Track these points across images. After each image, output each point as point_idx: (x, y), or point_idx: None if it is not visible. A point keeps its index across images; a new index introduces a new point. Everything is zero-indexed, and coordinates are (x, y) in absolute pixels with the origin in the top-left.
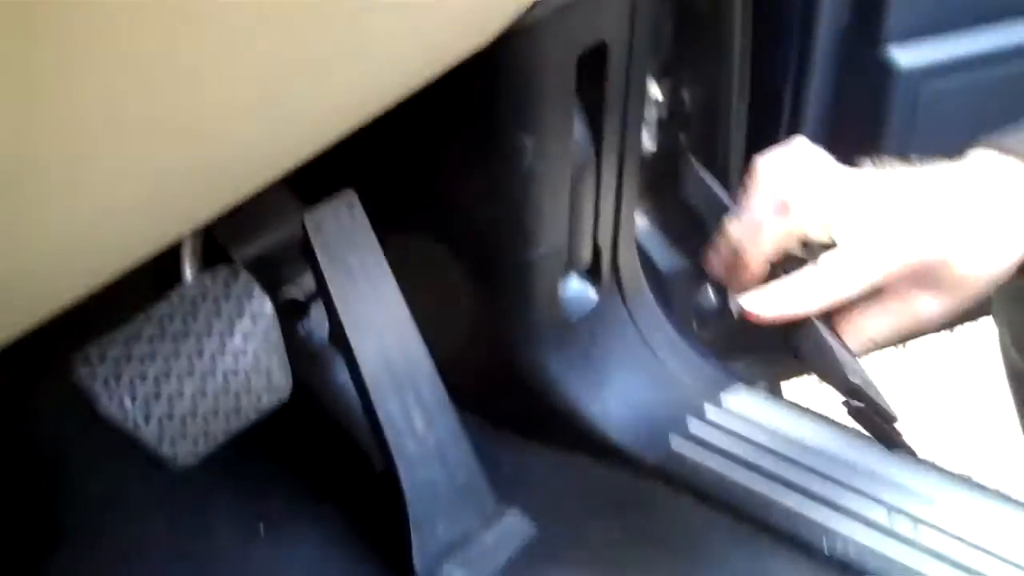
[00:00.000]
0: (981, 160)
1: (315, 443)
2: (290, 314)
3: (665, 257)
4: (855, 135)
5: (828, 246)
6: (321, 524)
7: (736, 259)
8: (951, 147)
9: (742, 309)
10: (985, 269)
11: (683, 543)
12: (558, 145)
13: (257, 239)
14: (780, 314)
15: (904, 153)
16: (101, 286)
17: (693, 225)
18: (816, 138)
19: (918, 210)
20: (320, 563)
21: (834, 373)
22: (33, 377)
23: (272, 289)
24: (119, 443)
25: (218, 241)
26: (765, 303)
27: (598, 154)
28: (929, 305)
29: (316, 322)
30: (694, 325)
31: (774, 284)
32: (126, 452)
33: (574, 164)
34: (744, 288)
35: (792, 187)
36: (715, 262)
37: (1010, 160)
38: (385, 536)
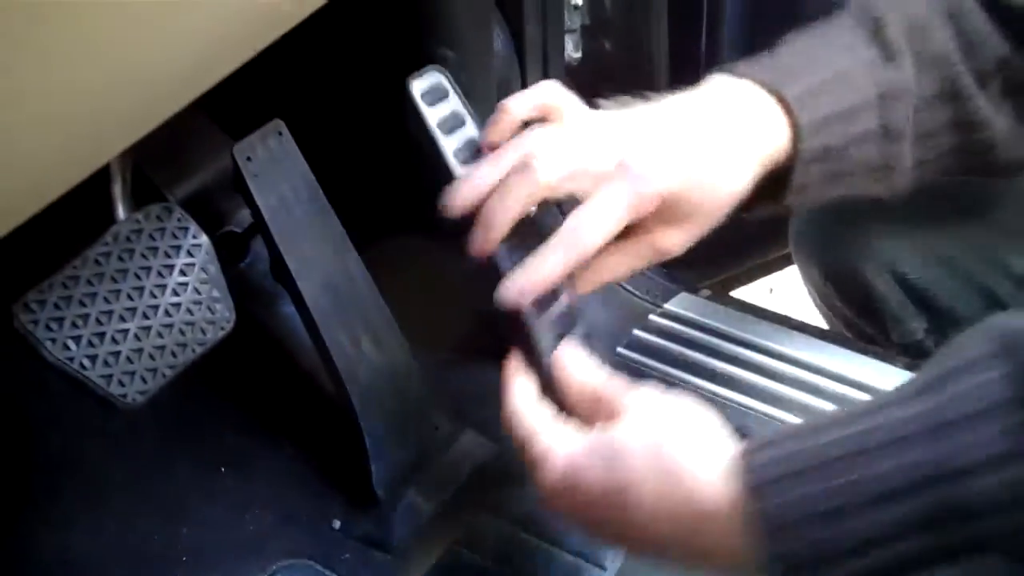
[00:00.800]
0: (716, 86)
1: (267, 377)
2: (230, 249)
3: None
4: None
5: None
6: (281, 458)
7: (483, 218)
8: None
9: (504, 301)
10: (720, 193)
11: None
12: (480, 58)
13: (190, 177)
14: (538, 291)
15: None
16: (28, 216)
17: None
18: (737, 33)
19: (653, 148)
20: (283, 497)
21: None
22: None
23: (211, 226)
24: (73, 395)
25: (152, 182)
26: (523, 288)
27: (522, 66)
28: (672, 238)
29: (257, 255)
30: None
31: (526, 264)
32: (80, 403)
33: (499, 77)
34: (484, 246)
35: (537, 142)
36: (456, 211)
37: (744, 83)
38: (344, 464)
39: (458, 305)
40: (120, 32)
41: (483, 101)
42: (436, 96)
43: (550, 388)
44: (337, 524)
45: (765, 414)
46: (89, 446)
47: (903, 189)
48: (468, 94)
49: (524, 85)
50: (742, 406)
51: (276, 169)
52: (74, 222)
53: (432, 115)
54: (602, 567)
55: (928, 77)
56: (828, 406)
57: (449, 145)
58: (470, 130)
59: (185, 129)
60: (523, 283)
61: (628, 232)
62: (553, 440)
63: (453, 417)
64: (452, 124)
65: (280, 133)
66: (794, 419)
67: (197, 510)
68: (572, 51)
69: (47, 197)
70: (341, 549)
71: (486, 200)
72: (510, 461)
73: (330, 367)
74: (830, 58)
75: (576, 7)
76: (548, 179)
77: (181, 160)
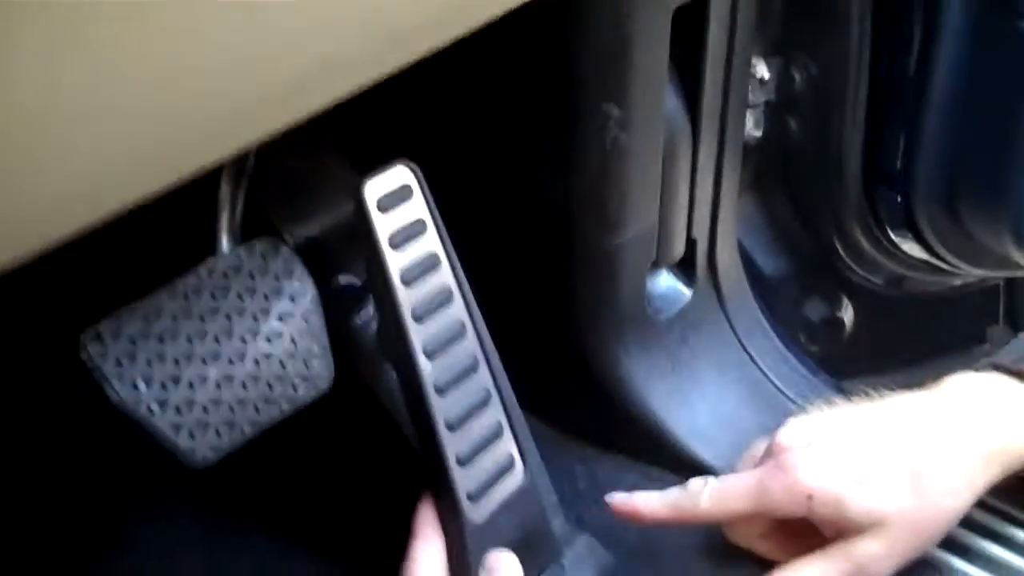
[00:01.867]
0: (953, 384)
1: (369, 452)
2: (345, 303)
3: (770, 259)
4: (989, 121)
5: None
6: (369, 551)
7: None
8: None
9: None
10: (925, 512)
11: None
12: (647, 117)
13: (313, 219)
14: (639, 512)
15: None
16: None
17: (808, 227)
18: (943, 126)
19: (821, 445)
20: None
21: None
22: (56, 364)
23: (328, 274)
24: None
25: (270, 219)
26: (629, 502)
27: (695, 131)
28: (869, 548)
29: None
30: (801, 338)
31: (640, 495)
32: (155, 450)
33: (666, 140)
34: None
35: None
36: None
37: (986, 375)
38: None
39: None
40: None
41: (647, 168)
42: (396, 200)
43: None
44: None
45: None
46: (164, 497)
47: None
48: (630, 158)
49: (695, 155)
50: None
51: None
52: (175, 253)
53: (383, 225)
54: None
55: None
56: None
57: (396, 263)
58: (430, 242)
59: (314, 164)
60: (625, 504)
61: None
62: None
63: (570, 516)
64: (408, 235)
65: (415, 176)
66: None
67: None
68: (752, 128)
69: (130, 194)
70: None
71: None
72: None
73: (428, 454)
74: None
75: (762, 81)
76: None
77: (306, 200)
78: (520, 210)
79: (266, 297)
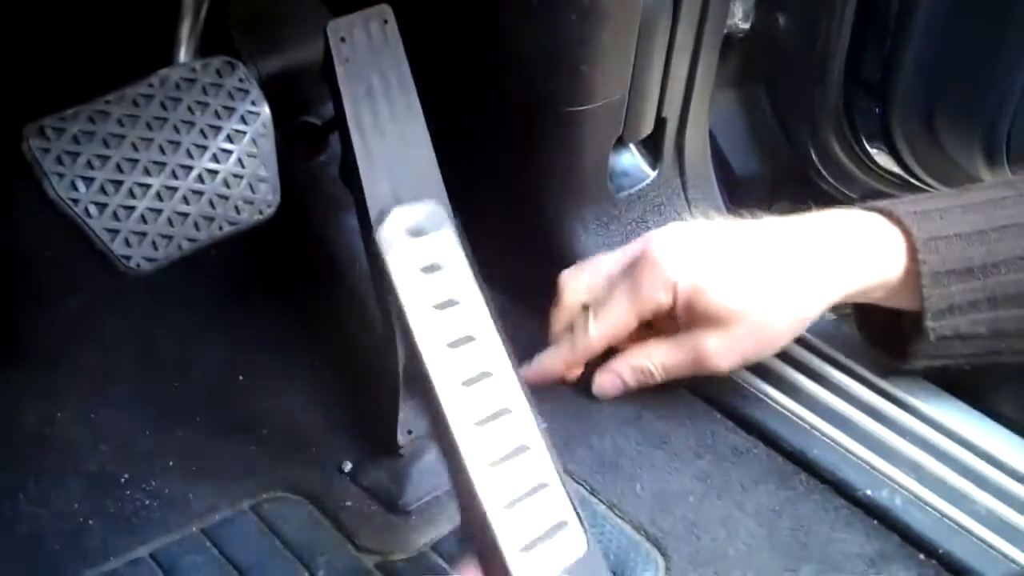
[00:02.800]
0: (822, 215)
1: (313, 289)
2: (307, 141)
3: (742, 156)
4: (973, 37)
5: None
6: (306, 379)
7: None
8: None
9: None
10: (771, 311)
11: (700, 459)
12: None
13: (281, 51)
14: (547, 371)
15: None
16: None
17: (785, 130)
18: (928, 38)
19: (679, 241)
20: (297, 424)
21: None
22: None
23: (292, 111)
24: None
25: (236, 48)
26: (537, 366)
27: (675, 4)
28: (714, 342)
29: (335, 155)
30: None
31: (536, 359)
32: (105, 271)
33: (645, 11)
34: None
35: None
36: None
37: (856, 212)
38: (373, 405)
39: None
40: None
41: (622, 35)
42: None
43: None
44: (347, 467)
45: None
46: (108, 319)
47: None
48: (604, 21)
49: (674, 30)
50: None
51: (371, 58)
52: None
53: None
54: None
55: None
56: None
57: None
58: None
59: (288, 1)
60: (533, 371)
61: (672, 326)
62: None
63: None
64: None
65: (386, 21)
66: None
67: (200, 415)
68: (741, 20)
69: None
70: (344, 495)
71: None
72: (559, 444)
73: (380, 293)
74: (975, 194)
75: None
76: (572, 290)
77: (276, 31)
78: (491, 64)
79: (217, 114)
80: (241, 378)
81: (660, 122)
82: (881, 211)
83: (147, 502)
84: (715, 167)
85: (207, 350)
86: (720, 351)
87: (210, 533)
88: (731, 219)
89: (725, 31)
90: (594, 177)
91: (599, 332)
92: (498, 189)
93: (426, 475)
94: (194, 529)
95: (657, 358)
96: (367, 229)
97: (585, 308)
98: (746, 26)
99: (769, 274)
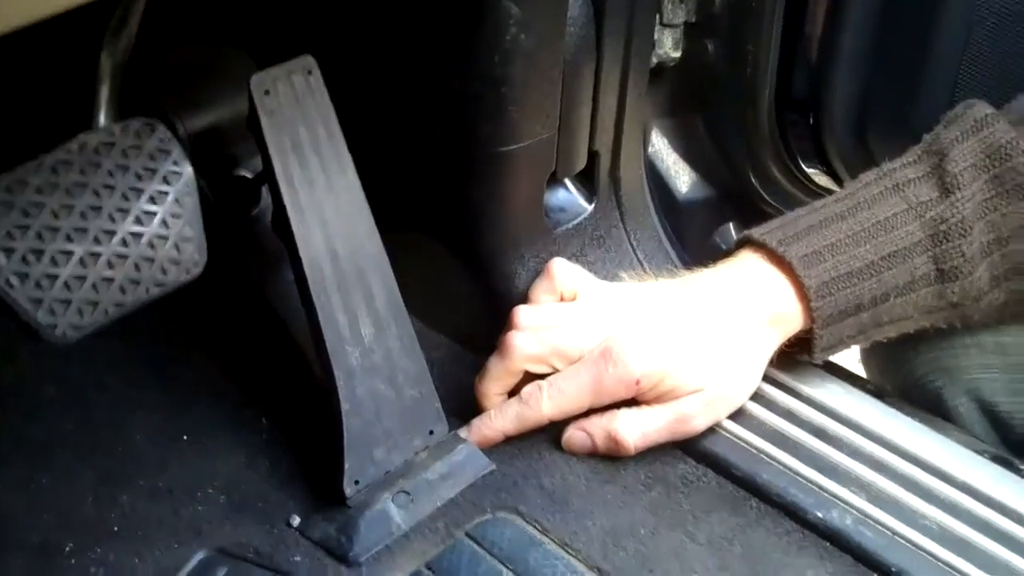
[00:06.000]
0: (730, 266)
1: (252, 343)
2: (240, 196)
3: (682, 183)
4: (900, 48)
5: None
6: (249, 435)
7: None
8: None
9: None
10: (727, 384)
11: (651, 490)
12: (550, 18)
13: (208, 108)
14: (489, 440)
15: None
16: None
17: (723, 155)
18: (856, 50)
19: (638, 332)
20: (242, 479)
21: None
22: None
23: (223, 167)
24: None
25: (162, 106)
26: (477, 433)
27: (599, 39)
28: (690, 405)
29: (267, 208)
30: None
31: (481, 418)
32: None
33: (570, 48)
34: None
35: (524, 319)
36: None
37: (754, 258)
38: (317, 455)
39: (467, 300)
40: None
41: (548, 73)
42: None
43: None
44: (295, 521)
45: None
46: (37, 386)
47: (986, 319)
48: (530, 60)
49: (599, 65)
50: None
51: (297, 109)
52: (51, 128)
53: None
54: None
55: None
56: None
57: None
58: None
59: (214, 57)
60: (474, 438)
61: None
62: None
63: (453, 425)
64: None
65: (310, 72)
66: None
67: (143, 478)
68: (671, 49)
69: None
70: (293, 550)
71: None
72: (506, 484)
73: (318, 343)
74: (865, 213)
75: (682, 0)
76: (523, 358)
77: (202, 87)
78: (418, 108)
79: (139, 176)
80: (185, 437)
81: (593, 156)
82: (772, 255)
83: (93, 570)
84: (656, 195)
85: (147, 412)
86: (699, 413)
87: None
88: (667, 280)
89: (656, 61)
90: (529, 214)
91: (552, 411)
92: (433, 231)
93: (375, 525)
94: None
95: (636, 427)
96: (303, 280)
97: (528, 376)
98: (676, 55)
99: (717, 341)
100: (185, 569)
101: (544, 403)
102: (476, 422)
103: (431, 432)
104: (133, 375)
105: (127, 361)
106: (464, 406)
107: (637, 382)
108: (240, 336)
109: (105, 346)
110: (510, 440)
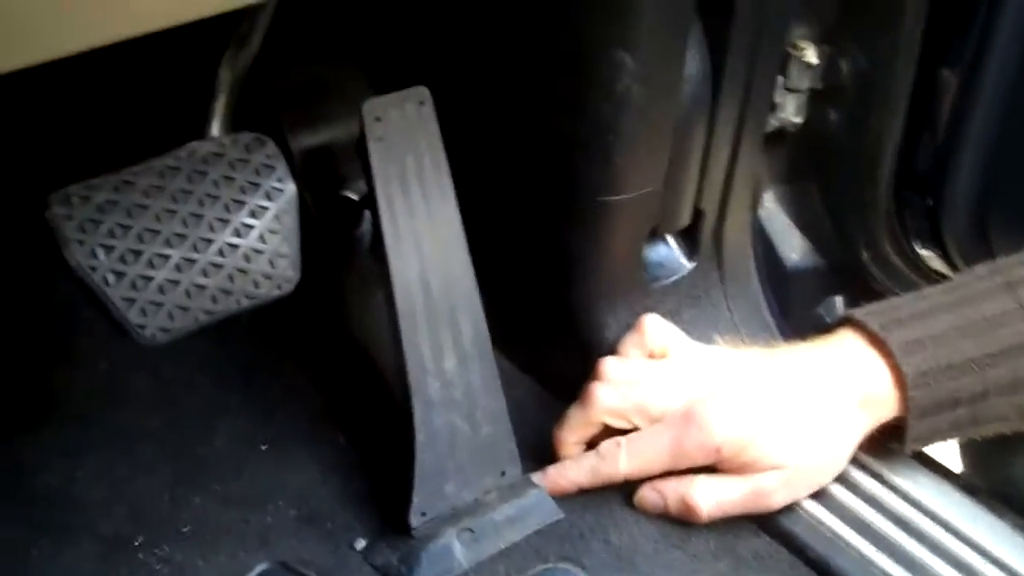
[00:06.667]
0: (828, 343)
1: (339, 362)
2: (345, 216)
3: (792, 251)
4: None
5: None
6: (325, 453)
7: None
8: None
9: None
10: (815, 459)
11: (720, 561)
12: (664, 71)
13: (322, 127)
14: (562, 490)
15: None
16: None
17: (837, 227)
18: (982, 133)
19: (725, 399)
20: (314, 495)
21: None
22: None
23: (331, 186)
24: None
25: (279, 121)
26: (551, 482)
27: (715, 98)
28: (770, 480)
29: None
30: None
31: (555, 467)
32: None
33: (683, 102)
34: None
35: (610, 372)
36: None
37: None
38: (390, 483)
39: (556, 345)
40: None
41: (658, 126)
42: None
43: None
44: (360, 544)
45: None
46: (128, 379)
47: None
48: (640, 111)
49: (713, 122)
50: None
51: (406, 138)
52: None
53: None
54: None
55: None
56: None
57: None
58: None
59: (332, 77)
60: (547, 486)
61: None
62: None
63: (525, 468)
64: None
65: (422, 102)
66: None
67: (219, 483)
68: (793, 114)
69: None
70: (354, 572)
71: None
72: (575, 535)
73: (400, 371)
74: (973, 308)
75: (809, 66)
76: (603, 410)
77: (318, 106)
78: (524, 151)
79: (243, 189)
80: (264, 447)
81: (698, 213)
82: (874, 338)
83: (157, 567)
84: (761, 260)
85: (231, 416)
86: (779, 489)
87: None
88: (761, 349)
89: (777, 125)
90: (626, 267)
91: (629, 469)
92: (527, 273)
93: (436, 560)
94: None
95: (712, 496)
96: (392, 306)
97: (608, 429)
98: (798, 120)
99: (805, 418)
100: None
101: (621, 460)
102: (551, 470)
103: (503, 473)
104: (223, 378)
105: (219, 363)
106: (540, 450)
107: (718, 449)
108: (328, 353)
109: (199, 346)
110: (582, 491)
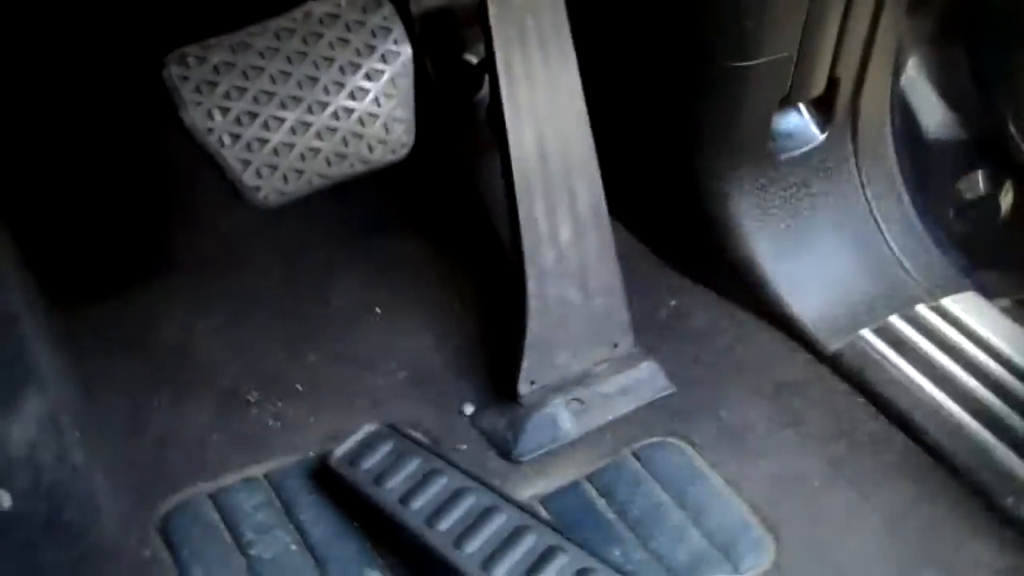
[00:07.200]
0: None
1: (453, 224)
2: (465, 80)
3: (934, 121)
4: None
5: None
6: (440, 316)
7: None
8: None
9: None
10: None
11: (834, 442)
12: None
13: None
14: None
15: None
16: None
17: (984, 96)
18: None
19: None
20: (426, 360)
21: None
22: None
23: (451, 49)
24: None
25: None
26: None
27: None
28: None
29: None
30: (949, 212)
31: None
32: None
33: None
34: None
35: None
36: None
37: None
38: (502, 351)
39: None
40: None
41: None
42: None
43: None
44: (469, 409)
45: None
46: (248, 238)
47: None
48: None
49: None
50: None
51: (527, 0)
52: None
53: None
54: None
55: None
56: None
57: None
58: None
59: None
60: None
61: None
62: None
63: (640, 339)
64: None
65: None
66: None
67: (333, 343)
68: None
69: None
70: (461, 437)
71: None
72: (683, 410)
73: (515, 241)
74: None
75: None
76: None
77: None
78: (650, 12)
79: (358, 52)
80: (378, 310)
81: (833, 82)
82: None
83: (270, 423)
84: (901, 131)
85: (348, 279)
86: None
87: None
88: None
89: None
90: (754, 137)
91: None
92: (650, 143)
93: (543, 428)
94: (311, 454)
95: None
96: (508, 176)
97: None
98: None
99: None
100: (354, 437)
101: None
102: None
103: (616, 345)
104: (340, 239)
105: (338, 224)
106: (654, 323)
107: None
108: (448, 219)
109: (319, 207)
110: (698, 363)
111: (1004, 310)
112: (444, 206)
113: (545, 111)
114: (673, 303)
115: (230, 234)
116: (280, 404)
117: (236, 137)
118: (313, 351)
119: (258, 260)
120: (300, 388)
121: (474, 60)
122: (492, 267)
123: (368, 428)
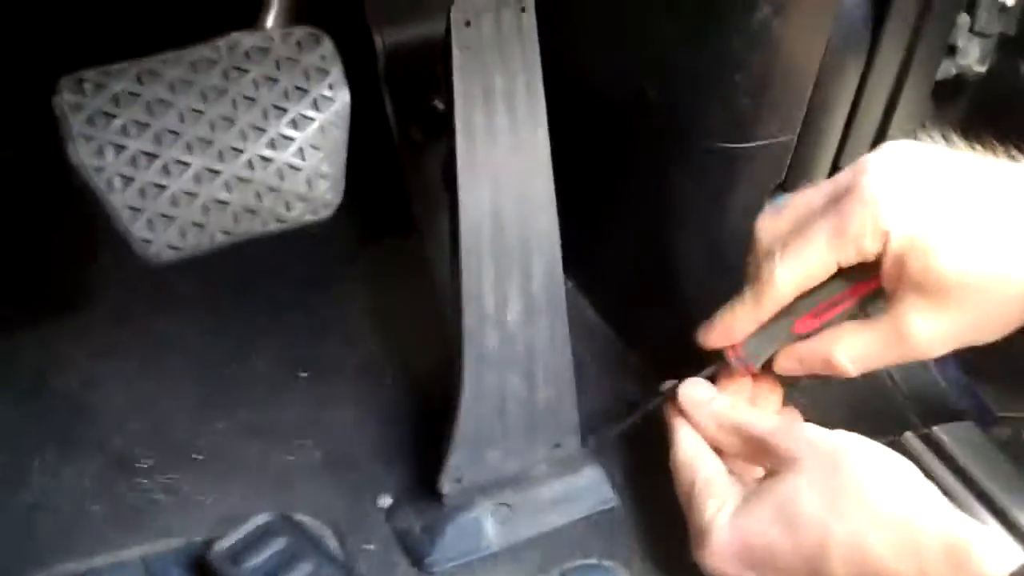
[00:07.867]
0: None
1: (396, 291)
2: (424, 125)
3: None
4: None
5: None
6: (367, 392)
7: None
8: None
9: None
10: (1001, 279)
11: None
12: (811, 7)
13: (413, 22)
14: (728, 338)
15: None
16: None
17: None
18: None
19: (903, 181)
20: (341, 440)
21: None
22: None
23: (415, 90)
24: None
25: (364, 12)
26: (715, 333)
27: (875, 37)
28: (925, 323)
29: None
30: None
31: (718, 314)
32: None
33: (834, 40)
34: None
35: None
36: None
37: None
38: (429, 439)
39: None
40: None
41: (799, 68)
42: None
43: None
44: (385, 502)
45: None
46: (176, 286)
47: None
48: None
49: (869, 68)
50: None
51: (498, 50)
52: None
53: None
54: None
55: None
56: None
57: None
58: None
59: None
60: (712, 339)
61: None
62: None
63: (584, 441)
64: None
65: (523, 9)
66: None
67: (249, 410)
68: (976, 62)
69: None
70: (371, 534)
71: None
72: (627, 530)
73: (456, 318)
74: None
75: (1004, 8)
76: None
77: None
78: (634, 78)
79: (286, 94)
80: (304, 374)
81: (837, 171)
82: None
83: (159, 497)
84: None
85: (275, 338)
86: (931, 333)
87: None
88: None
89: (955, 72)
90: (748, 219)
91: (785, 277)
92: (622, 226)
93: (464, 535)
94: (197, 539)
95: (847, 347)
96: (456, 243)
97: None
98: (981, 69)
99: (1011, 234)
100: (244, 528)
101: (778, 273)
102: (715, 319)
103: (557, 445)
104: (276, 292)
105: (275, 272)
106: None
107: (886, 234)
108: (390, 275)
109: (255, 254)
110: (645, 476)
111: (1004, 441)
112: (388, 262)
113: (506, 175)
114: (633, 398)
115: (155, 276)
116: (175, 476)
117: (128, 180)
118: (224, 418)
119: (180, 306)
120: (200, 458)
121: (441, 106)
122: (430, 344)
123: (258, 520)
